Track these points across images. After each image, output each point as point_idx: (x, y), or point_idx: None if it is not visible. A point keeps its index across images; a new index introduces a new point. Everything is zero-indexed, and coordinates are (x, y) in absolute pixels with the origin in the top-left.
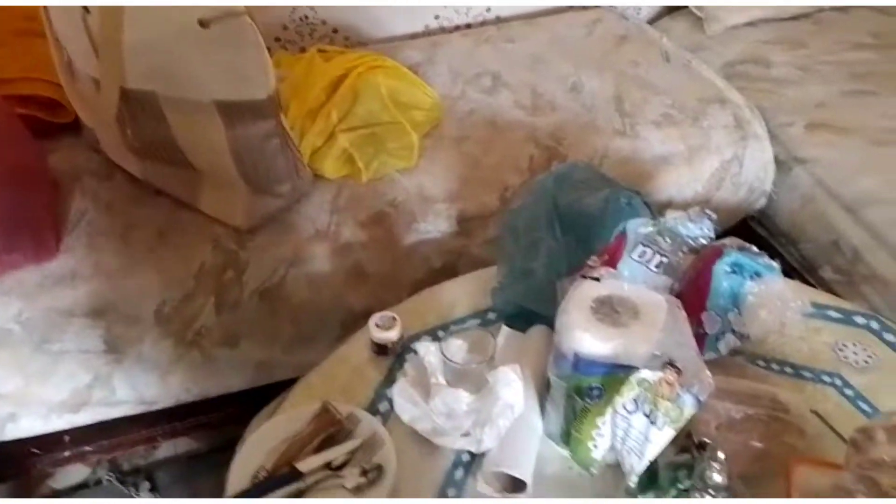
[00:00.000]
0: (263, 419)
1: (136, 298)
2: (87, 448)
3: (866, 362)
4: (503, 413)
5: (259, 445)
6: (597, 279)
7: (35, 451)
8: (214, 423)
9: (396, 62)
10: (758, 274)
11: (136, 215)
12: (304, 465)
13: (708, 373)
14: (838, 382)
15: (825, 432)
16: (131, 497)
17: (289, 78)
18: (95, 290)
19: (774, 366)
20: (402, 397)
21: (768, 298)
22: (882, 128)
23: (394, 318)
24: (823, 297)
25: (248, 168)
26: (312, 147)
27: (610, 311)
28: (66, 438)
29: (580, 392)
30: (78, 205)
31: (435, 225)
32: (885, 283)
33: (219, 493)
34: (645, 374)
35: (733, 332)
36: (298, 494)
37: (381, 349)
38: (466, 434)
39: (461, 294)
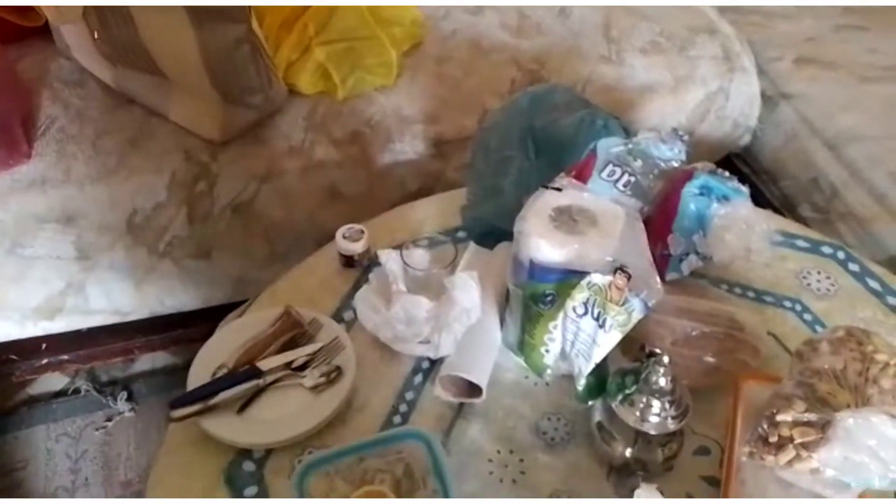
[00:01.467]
0: (229, 321)
1: (108, 206)
2: (65, 357)
3: (828, 290)
4: (459, 318)
5: (221, 344)
6: (559, 189)
7: (13, 357)
8: (193, 339)
9: None
10: (726, 197)
11: (107, 123)
12: (264, 364)
13: (658, 279)
14: (798, 307)
15: (780, 353)
16: (108, 406)
17: None
18: (66, 197)
19: (737, 289)
20: (365, 305)
21: (734, 221)
22: (868, 64)
23: (361, 231)
24: (793, 227)
25: (219, 75)
26: (288, 60)
27: (568, 219)
28: (44, 346)
29: (535, 298)
30: (48, 111)
31: (412, 146)
32: (860, 221)
33: None
34: (595, 277)
35: (697, 253)
36: (258, 392)
37: (348, 261)
38: (426, 341)
39: (432, 212)
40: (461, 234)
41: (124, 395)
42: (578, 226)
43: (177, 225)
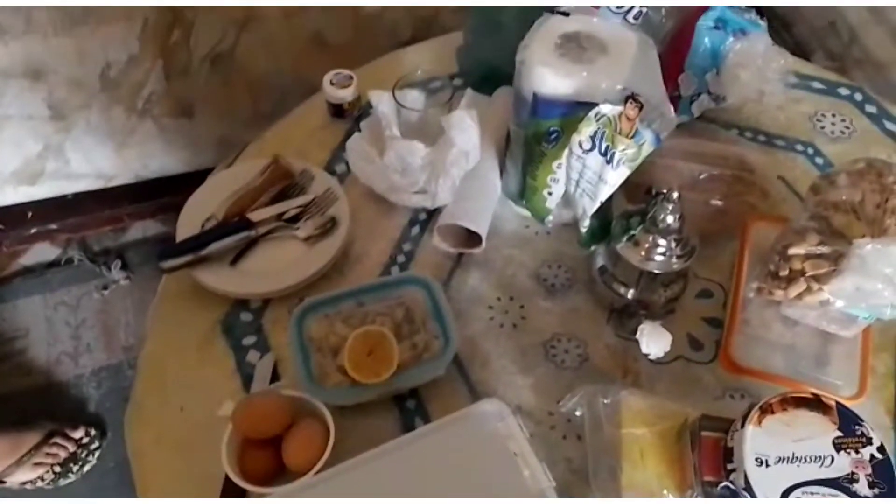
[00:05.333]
0: (213, 175)
1: (77, 59)
2: (53, 226)
3: (843, 132)
4: (457, 162)
5: (209, 196)
6: (565, 14)
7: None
8: (181, 205)
9: None
10: (742, 31)
11: None
12: (255, 215)
13: (672, 109)
14: (810, 151)
15: (789, 197)
16: (103, 276)
17: None
18: (30, 49)
19: (748, 133)
20: (357, 155)
21: (750, 58)
22: None
23: (350, 77)
24: (808, 68)
25: None
26: None
27: (576, 46)
28: (30, 214)
29: (538, 137)
30: None
31: None
32: (878, 66)
33: None
34: (604, 108)
35: (709, 93)
36: (250, 244)
37: (336, 111)
38: (422, 191)
39: (426, 58)
40: (457, 81)
41: (118, 263)
42: (587, 53)
43: (153, 79)
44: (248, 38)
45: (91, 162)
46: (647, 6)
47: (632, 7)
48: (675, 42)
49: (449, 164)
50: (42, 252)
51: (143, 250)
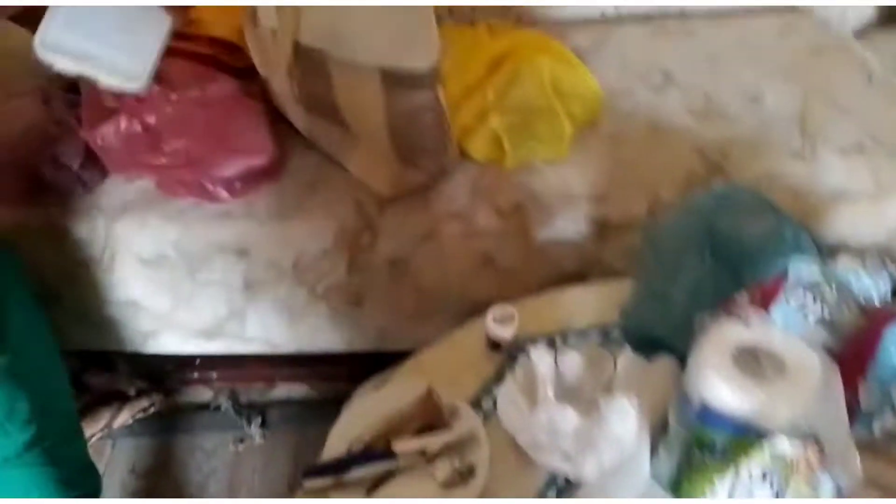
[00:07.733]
0: (370, 389)
1: (280, 245)
2: (213, 375)
3: None
4: (611, 446)
5: (360, 416)
6: (744, 322)
7: (169, 368)
8: (331, 376)
9: (564, 47)
10: None
11: (291, 164)
12: (399, 446)
13: (857, 457)
14: None
15: None
16: (241, 428)
17: (451, 51)
18: (244, 231)
19: None
20: (507, 402)
21: None
22: None
23: (512, 315)
24: None
25: (399, 137)
26: (463, 125)
27: (752, 360)
28: (197, 362)
29: (701, 445)
30: None
31: (574, 225)
32: None
33: (322, 442)
34: (783, 447)
35: (894, 411)
36: (388, 474)
37: (494, 344)
38: (567, 457)
39: (587, 302)
40: (615, 333)
41: (259, 420)
42: (765, 371)
43: (337, 272)
44: (425, 250)
45: (266, 330)
46: (829, 307)
47: (814, 306)
48: (857, 343)
49: (602, 447)
50: (196, 394)
51: (285, 410)
